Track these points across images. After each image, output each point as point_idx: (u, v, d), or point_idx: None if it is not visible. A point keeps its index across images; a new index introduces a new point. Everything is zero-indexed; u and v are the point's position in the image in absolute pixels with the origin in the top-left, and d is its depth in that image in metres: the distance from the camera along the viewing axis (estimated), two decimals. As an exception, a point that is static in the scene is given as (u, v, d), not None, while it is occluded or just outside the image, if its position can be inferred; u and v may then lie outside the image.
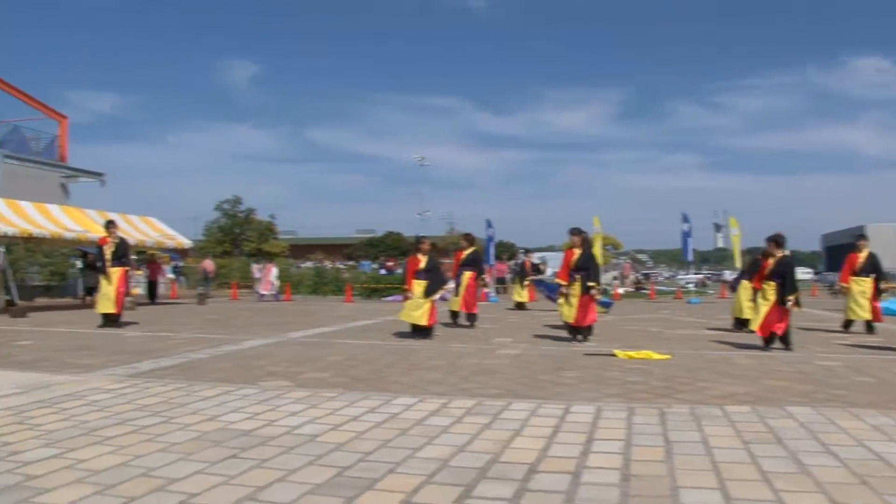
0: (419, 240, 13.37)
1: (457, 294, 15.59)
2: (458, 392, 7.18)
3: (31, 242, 21.68)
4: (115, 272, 14.66)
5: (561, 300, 12.34)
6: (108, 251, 14.70)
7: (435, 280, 12.70)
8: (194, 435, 5.31)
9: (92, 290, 22.24)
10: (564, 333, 12.77)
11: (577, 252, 12.07)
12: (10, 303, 19.14)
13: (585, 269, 11.95)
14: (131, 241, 21.76)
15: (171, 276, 36.22)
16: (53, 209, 22.23)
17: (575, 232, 12.24)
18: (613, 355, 10.04)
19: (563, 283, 12.21)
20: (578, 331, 12.11)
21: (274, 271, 30.42)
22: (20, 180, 28.67)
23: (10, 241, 20.18)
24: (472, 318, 15.43)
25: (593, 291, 11.94)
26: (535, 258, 28.53)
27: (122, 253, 14.84)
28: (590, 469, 4.50)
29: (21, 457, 4.71)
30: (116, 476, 4.29)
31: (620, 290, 34.23)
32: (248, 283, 35.83)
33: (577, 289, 11.94)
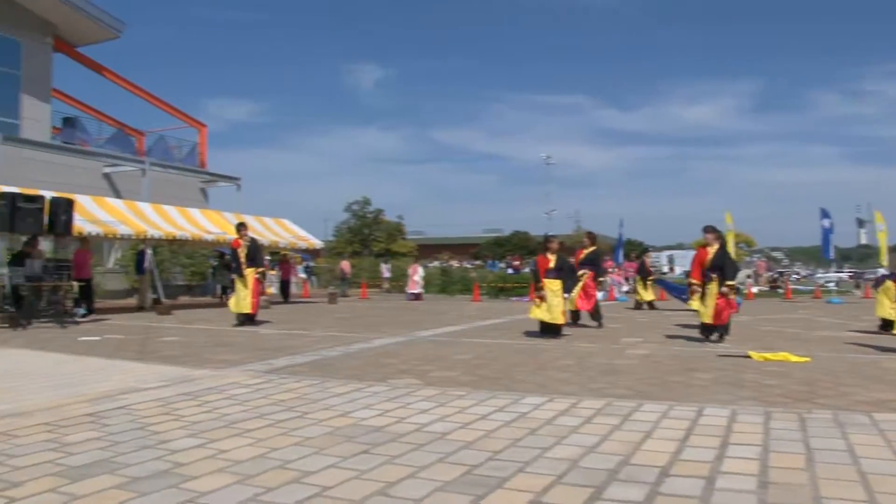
0: (548, 239, 13.17)
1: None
2: (587, 392, 7.07)
3: (174, 244, 22.76)
4: (250, 273, 14.96)
5: (695, 299, 11.96)
6: (242, 253, 15.07)
7: (570, 278, 12.58)
8: (327, 430, 5.41)
9: (226, 289, 23.34)
10: (695, 333, 12.39)
11: (712, 250, 11.64)
12: (157, 301, 20.12)
13: (720, 267, 11.55)
14: (265, 242, 22.67)
15: (302, 275, 37.74)
16: (194, 212, 23.27)
17: (709, 230, 11.83)
18: (748, 357, 9.64)
19: (696, 282, 11.83)
20: (714, 329, 11.71)
21: (420, 271, 30.66)
22: (165, 186, 30.30)
23: (157, 244, 21.28)
24: (596, 316, 15.22)
25: (725, 289, 11.49)
26: (657, 256, 27.79)
27: (255, 254, 15.19)
28: (725, 474, 4.34)
29: (169, 445, 4.95)
30: (255, 467, 4.43)
31: (754, 289, 32.93)
32: (377, 282, 36.74)
33: (713, 288, 11.50)
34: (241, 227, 15.51)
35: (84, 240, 18.18)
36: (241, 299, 15.06)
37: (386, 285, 36.48)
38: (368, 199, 77.13)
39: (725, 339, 11.68)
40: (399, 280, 36.41)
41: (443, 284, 35.51)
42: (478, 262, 53.76)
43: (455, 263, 50.04)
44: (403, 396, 6.77)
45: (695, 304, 12.16)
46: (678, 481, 4.19)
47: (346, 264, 35.45)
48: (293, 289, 32.11)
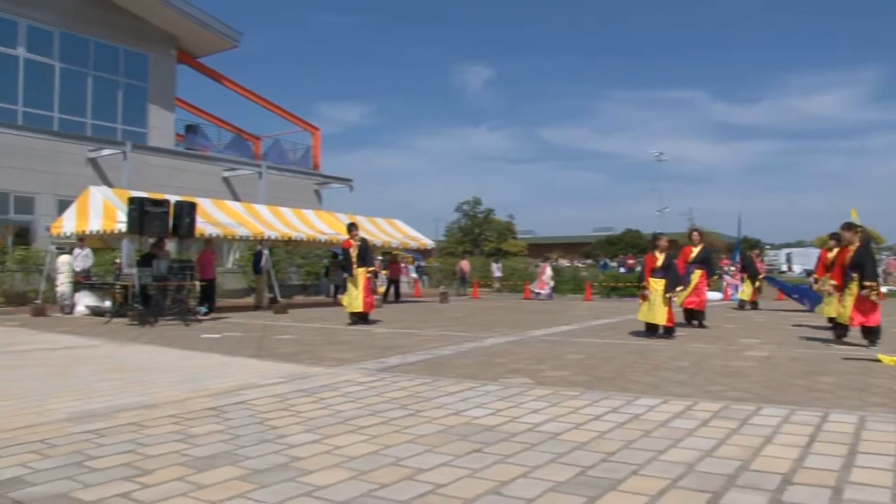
0: (656, 237, 12.85)
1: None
2: (704, 394, 6.85)
3: (290, 245, 23.24)
4: (360, 272, 15.15)
5: (830, 301, 11.39)
6: (353, 253, 15.20)
7: (673, 278, 12.21)
8: (440, 428, 5.42)
9: (339, 288, 23.70)
10: (817, 334, 11.88)
11: (853, 248, 11.03)
12: (273, 300, 20.50)
13: (861, 266, 10.96)
14: (378, 242, 22.93)
15: (414, 275, 38.33)
16: (309, 214, 23.63)
17: (848, 227, 11.21)
18: (878, 360, 9.12)
19: (834, 282, 11.36)
20: (868, 332, 10.93)
21: (548, 271, 30.29)
22: (280, 188, 31.27)
23: (273, 244, 21.74)
24: (699, 315, 14.76)
25: (865, 291, 10.86)
26: (775, 255, 26.75)
27: (365, 254, 15.32)
28: (854, 485, 4.10)
29: (287, 440, 5.05)
30: (370, 463, 4.47)
31: (884, 289, 31.13)
32: (488, 282, 36.84)
33: (854, 288, 10.91)
34: (351, 227, 15.63)
35: (209, 241, 18.70)
36: (354, 298, 15.17)
37: (497, 285, 36.43)
38: (479, 199, 77.97)
39: (878, 343, 10.92)
40: (509, 279, 36.48)
41: (554, 284, 35.27)
42: (589, 261, 53.08)
43: (566, 262, 49.58)
44: (516, 396, 6.70)
45: (830, 307, 11.60)
46: (802, 490, 4.01)
47: (465, 264, 35.56)
48: (404, 288, 32.56)
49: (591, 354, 9.97)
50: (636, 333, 12.92)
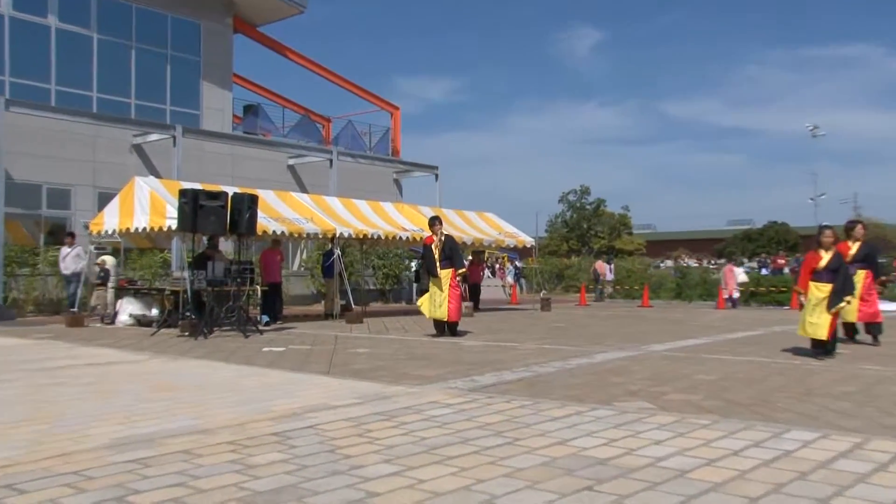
0: (821, 230, 12.12)
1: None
2: (878, 429, 6.54)
3: (365, 243, 23.53)
4: (446, 275, 15.28)
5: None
6: (436, 250, 15.34)
7: (842, 283, 11.62)
8: (542, 460, 5.37)
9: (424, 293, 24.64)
10: None
11: (855, 246, 10.54)
12: (346, 308, 20.86)
13: (866, 260, 10.39)
14: (467, 239, 22.98)
15: (510, 279, 38.66)
16: (387, 207, 23.95)
17: (853, 223, 10.78)
18: None
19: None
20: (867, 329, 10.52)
21: (739, 274, 29.36)
22: (354, 177, 31.73)
23: (346, 243, 22.05)
24: (875, 329, 14.03)
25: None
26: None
27: (452, 252, 15.40)
28: None
29: (362, 472, 5.07)
30: (459, 500, 4.44)
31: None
32: (599, 286, 36.70)
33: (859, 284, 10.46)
34: (434, 221, 15.85)
35: (275, 240, 19.18)
36: (438, 305, 15.29)
37: (608, 289, 36.15)
38: (587, 187, 77.93)
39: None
40: (623, 282, 36.23)
41: (678, 288, 34.70)
42: (721, 261, 51.95)
43: (693, 262, 48.74)
44: (633, 423, 6.65)
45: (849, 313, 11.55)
46: None
47: (601, 265, 36.47)
48: (498, 294, 32.72)
49: (726, 375, 9.78)
50: (789, 350, 12.56)
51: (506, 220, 27.20)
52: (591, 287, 36.17)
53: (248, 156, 29.83)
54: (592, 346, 13.38)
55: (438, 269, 15.35)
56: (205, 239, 17.84)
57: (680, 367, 10.57)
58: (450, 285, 15.32)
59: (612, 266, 37.81)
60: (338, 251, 20.88)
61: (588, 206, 77.48)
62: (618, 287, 36.46)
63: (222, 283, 16.57)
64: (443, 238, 15.52)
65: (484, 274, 34.10)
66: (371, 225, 21.91)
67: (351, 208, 22.64)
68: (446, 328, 15.47)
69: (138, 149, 27.51)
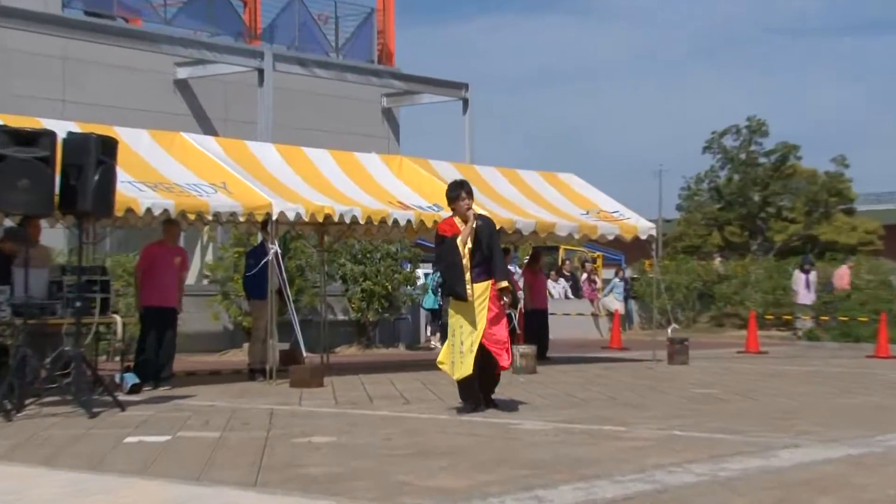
0: None
1: None
2: None
3: (330, 233, 19.73)
4: (483, 291, 12.00)
5: None
6: (463, 247, 12.01)
7: None
8: None
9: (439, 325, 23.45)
10: None
11: None
12: (292, 356, 17.40)
13: None
14: (524, 224, 18.85)
15: (609, 300, 31.51)
16: (371, 163, 19.25)
17: None
18: None
19: None
20: None
21: None
22: (307, 104, 26.75)
23: (293, 231, 19.00)
24: None
25: None
26: None
27: (490, 250, 12.15)
28: None
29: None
30: None
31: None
32: (784, 314, 29.92)
33: None
34: (458, 190, 12.22)
35: (170, 225, 15.57)
36: (467, 348, 11.97)
37: (807, 321, 28.31)
38: (760, 122, 51.72)
39: None
40: (832, 306, 27.99)
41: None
42: None
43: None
44: None
45: None
46: None
47: (844, 272, 30.15)
48: (586, 328, 28.75)
49: None
50: None
51: (597, 189, 21.39)
52: (773, 316, 30.17)
53: (98, 60, 23.86)
54: (772, 432, 10.87)
55: (468, 284, 11.93)
56: (6, 221, 14.51)
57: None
58: (488, 310, 12.05)
59: (813, 276, 29.36)
60: (275, 248, 16.00)
61: (763, 158, 51.93)
62: (824, 318, 28.56)
63: (44, 311, 13.12)
64: (477, 223, 12.02)
65: (563, 291, 30.80)
66: (340, 197, 17.01)
67: (301, 166, 17.82)
68: (478, 391, 12.31)
69: None
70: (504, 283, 12.07)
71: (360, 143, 23.11)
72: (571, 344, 26.00)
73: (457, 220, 11.92)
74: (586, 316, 31.79)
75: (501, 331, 12.04)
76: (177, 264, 15.73)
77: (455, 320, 11.91)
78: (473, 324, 11.86)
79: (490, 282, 11.85)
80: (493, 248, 12.02)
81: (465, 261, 11.74)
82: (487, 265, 11.85)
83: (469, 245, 11.80)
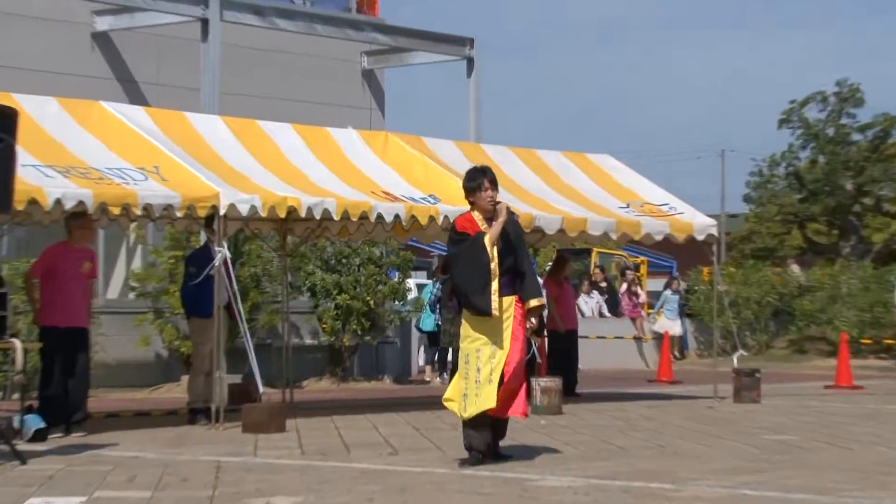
0: None
1: None
2: None
3: (293, 231, 18.24)
4: (509, 306, 11.33)
5: None
6: (491, 248, 11.34)
7: None
8: None
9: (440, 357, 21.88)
10: None
11: None
12: (244, 392, 16.62)
13: None
14: (547, 221, 17.03)
15: (660, 318, 29.34)
16: (346, 140, 17.74)
17: None
18: None
19: None
20: None
21: None
22: (264, 65, 24.84)
23: (247, 230, 17.68)
24: None
25: None
26: None
27: (518, 254, 11.47)
28: None
29: None
30: None
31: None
32: (886, 339, 28.73)
33: None
34: (479, 176, 11.41)
35: (81, 221, 14.12)
36: (484, 382, 11.07)
37: None
38: (854, 87, 46.72)
39: None
40: None
41: None
42: None
43: None
44: None
45: None
46: None
47: None
48: (627, 354, 26.49)
49: None
50: None
51: (643, 176, 19.63)
52: (871, 341, 28.15)
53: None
54: (868, 491, 9.75)
55: (494, 294, 10.91)
56: None
57: None
58: (512, 333, 11.14)
59: None
60: (223, 251, 14.95)
61: (857, 135, 47.52)
62: None
63: None
64: (506, 217, 11.16)
65: (597, 307, 27.63)
66: (308, 186, 15.79)
67: (257, 145, 16.35)
68: (488, 436, 11.20)
69: None
70: (535, 302, 10.97)
71: (334, 115, 21.13)
72: (608, 376, 24.02)
73: (476, 215, 10.98)
74: (627, 340, 28.62)
75: (520, 369, 11.11)
76: (85, 272, 14.31)
77: (470, 343, 11.02)
78: (496, 346, 11.03)
79: (514, 297, 10.89)
80: (519, 253, 11.15)
81: (494, 265, 10.79)
82: (512, 276, 10.94)
83: (498, 247, 10.94)
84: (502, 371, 10.83)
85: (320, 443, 13.63)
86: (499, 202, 10.98)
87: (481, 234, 10.93)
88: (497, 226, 10.79)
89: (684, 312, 29.58)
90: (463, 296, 11.27)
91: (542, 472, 11.08)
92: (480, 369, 10.91)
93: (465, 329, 11.12)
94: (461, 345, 11.30)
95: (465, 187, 11.28)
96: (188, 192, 14.36)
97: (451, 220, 12.51)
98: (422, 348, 23.21)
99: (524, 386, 11.51)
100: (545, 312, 17.62)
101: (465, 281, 11.22)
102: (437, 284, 17.65)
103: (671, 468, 11.28)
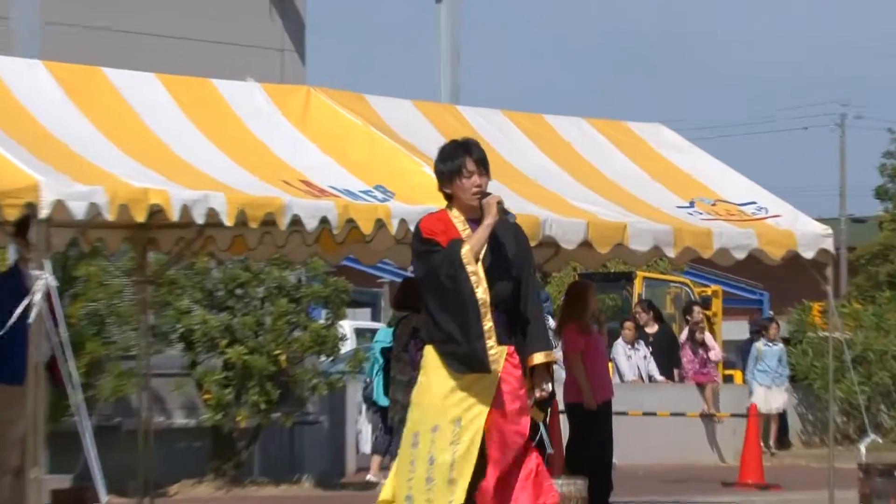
0: None
1: None
2: None
3: (156, 247, 14.50)
4: (499, 355, 8.42)
5: None
6: (475, 269, 8.99)
7: None
8: None
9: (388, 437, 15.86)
10: None
11: None
12: (78, 496, 14.44)
13: None
14: (563, 230, 12.68)
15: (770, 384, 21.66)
16: (241, 95, 13.66)
17: None
18: None
19: None
20: None
21: None
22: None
23: (86, 247, 14.63)
24: None
25: None
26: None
27: (525, 281, 8.72)
28: None
29: None
30: None
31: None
32: None
33: None
34: (459, 152, 8.77)
35: None
36: (447, 471, 8.14)
37: None
38: None
39: None
40: None
41: None
42: None
43: None
44: None
45: None
46: None
47: None
48: (689, 442, 20.28)
49: None
50: None
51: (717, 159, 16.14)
52: None
53: None
54: None
55: (489, 341, 7.72)
56: None
57: None
58: (497, 415, 8.11)
59: None
60: (46, 276, 10.86)
61: None
62: None
63: None
64: (507, 217, 8.16)
65: (643, 364, 21.05)
66: (182, 171, 12.09)
67: (100, 107, 12.29)
68: None
69: None
70: (542, 357, 7.83)
71: (226, 58, 16.37)
72: (661, 475, 18.06)
73: (454, 214, 8.12)
74: (691, 417, 20.75)
75: (513, 466, 7.86)
76: None
77: (421, 413, 8.18)
78: (464, 422, 7.98)
79: (509, 349, 7.84)
80: (521, 277, 8.23)
81: (482, 290, 7.81)
82: (507, 313, 8.00)
83: (484, 264, 7.83)
84: (475, 480, 7.40)
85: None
86: (488, 194, 7.80)
87: (457, 242, 7.83)
88: (483, 229, 7.74)
89: (786, 375, 21.65)
90: (438, 342, 7.87)
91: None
92: (434, 458, 7.83)
93: (422, 389, 7.93)
94: (409, 415, 8.16)
95: (436, 171, 8.26)
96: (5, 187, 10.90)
97: (414, 224, 8.76)
98: (369, 428, 17.05)
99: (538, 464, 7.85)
100: (560, 375, 13.00)
101: (439, 317, 7.97)
102: (396, 323, 12.42)
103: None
